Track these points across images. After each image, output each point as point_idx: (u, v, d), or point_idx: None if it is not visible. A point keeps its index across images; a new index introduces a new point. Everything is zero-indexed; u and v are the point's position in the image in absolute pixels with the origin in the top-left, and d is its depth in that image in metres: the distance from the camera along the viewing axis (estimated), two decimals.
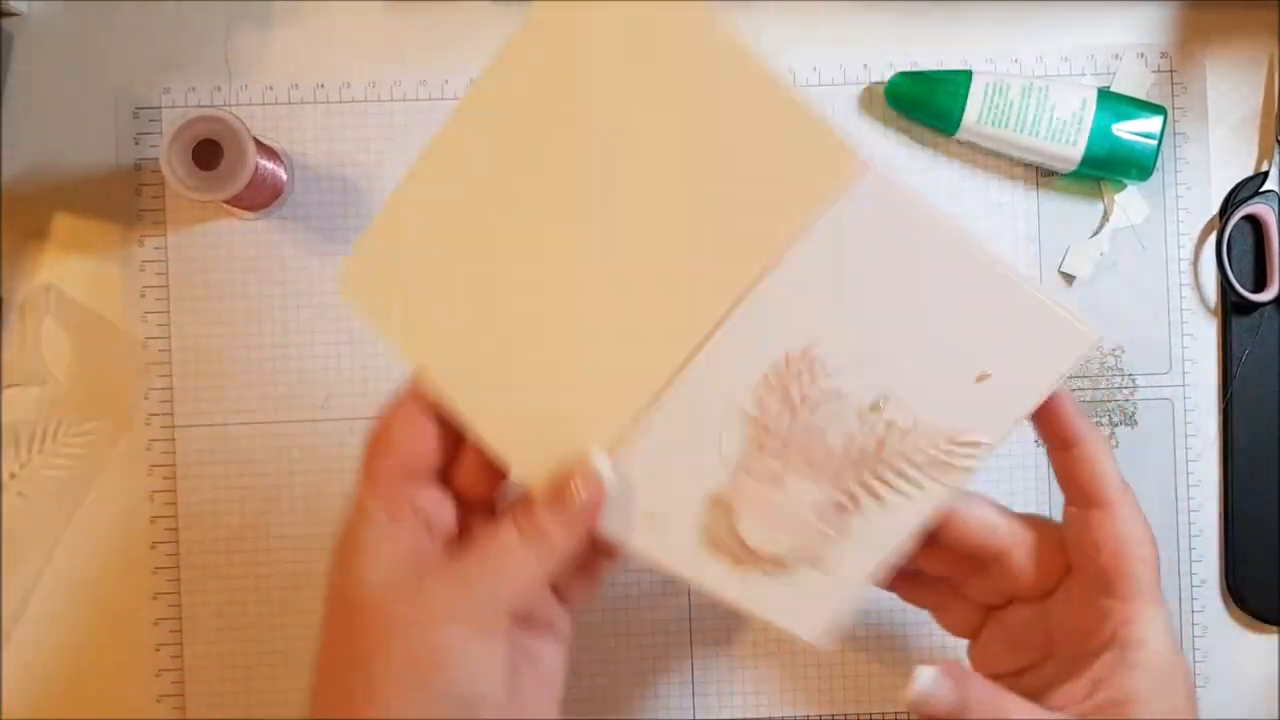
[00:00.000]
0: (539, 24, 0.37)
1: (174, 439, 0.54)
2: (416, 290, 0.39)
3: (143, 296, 0.54)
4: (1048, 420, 0.40)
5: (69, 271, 0.54)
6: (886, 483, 0.44)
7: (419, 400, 0.38)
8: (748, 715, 0.55)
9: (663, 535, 0.43)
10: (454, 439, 0.38)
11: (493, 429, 0.38)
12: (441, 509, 0.38)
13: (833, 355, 0.43)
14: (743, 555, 0.44)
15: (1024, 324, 0.41)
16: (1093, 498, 0.39)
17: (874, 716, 0.55)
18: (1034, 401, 0.40)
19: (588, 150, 0.38)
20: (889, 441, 0.43)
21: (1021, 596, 0.41)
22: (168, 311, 0.54)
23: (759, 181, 0.38)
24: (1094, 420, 0.55)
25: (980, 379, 0.42)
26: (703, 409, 0.43)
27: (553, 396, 0.39)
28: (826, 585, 0.44)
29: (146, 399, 0.54)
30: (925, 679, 0.37)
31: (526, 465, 0.39)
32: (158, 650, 0.54)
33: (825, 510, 0.44)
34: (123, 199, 0.54)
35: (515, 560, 0.36)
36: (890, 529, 0.43)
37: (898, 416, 0.44)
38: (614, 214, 0.38)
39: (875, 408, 0.44)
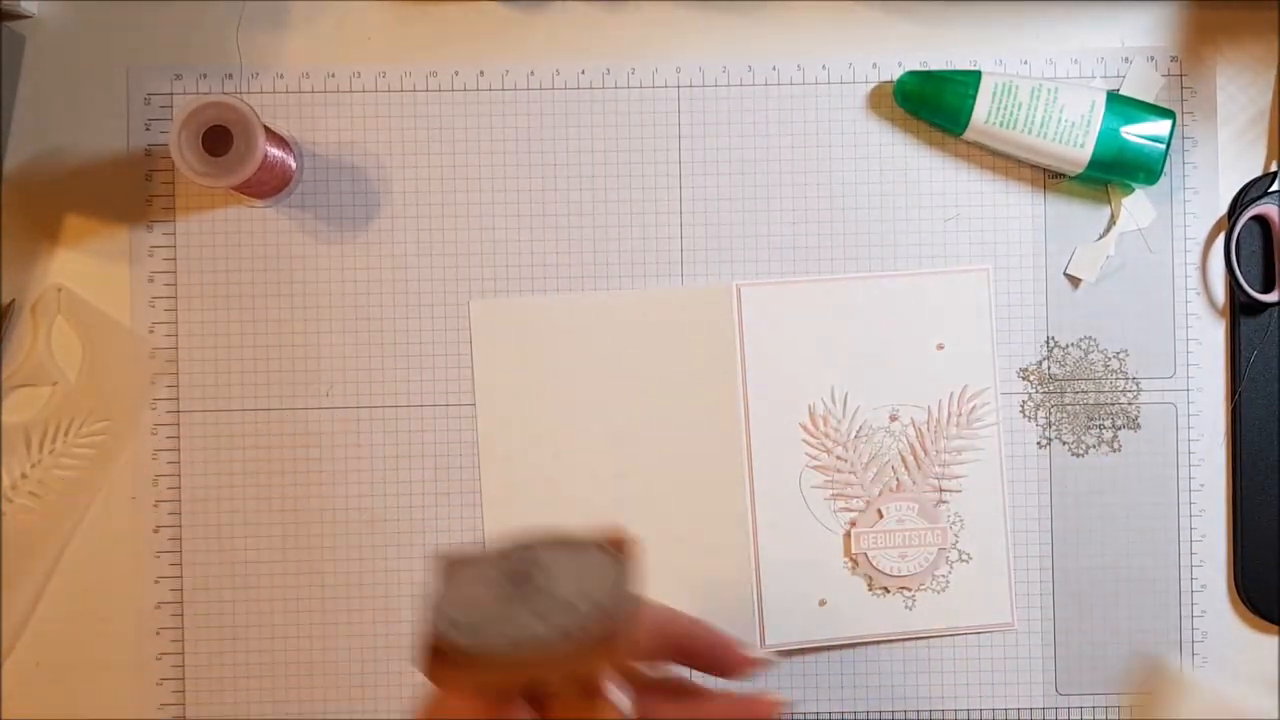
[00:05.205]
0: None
1: (179, 424, 0.54)
2: None
3: (151, 281, 0.54)
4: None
5: (79, 255, 0.54)
6: (955, 462, 0.54)
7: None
8: None
9: (838, 614, 0.53)
10: None
11: None
12: None
13: (835, 402, 0.54)
14: (895, 585, 0.53)
15: (936, 293, 0.54)
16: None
17: (873, 715, 0.55)
18: (987, 335, 0.54)
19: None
20: (925, 434, 0.54)
21: None
22: (175, 297, 0.54)
23: None
24: (1096, 423, 0.55)
25: (939, 347, 0.54)
26: (783, 503, 0.54)
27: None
28: (980, 571, 0.54)
29: (152, 383, 0.54)
30: None
31: None
32: (159, 647, 0.54)
33: (929, 511, 0.54)
34: (133, 185, 0.55)
35: None
36: (984, 490, 0.54)
37: (914, 415, 0.54)
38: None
39: (894, 417, 0.54)
